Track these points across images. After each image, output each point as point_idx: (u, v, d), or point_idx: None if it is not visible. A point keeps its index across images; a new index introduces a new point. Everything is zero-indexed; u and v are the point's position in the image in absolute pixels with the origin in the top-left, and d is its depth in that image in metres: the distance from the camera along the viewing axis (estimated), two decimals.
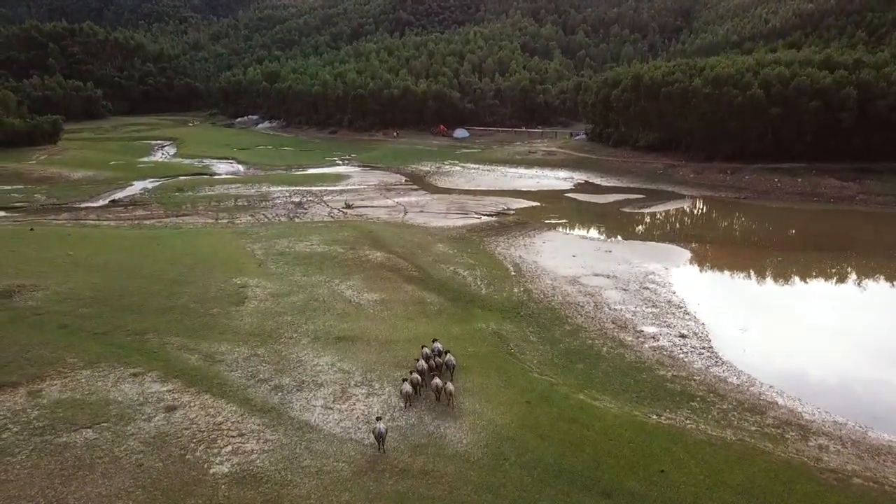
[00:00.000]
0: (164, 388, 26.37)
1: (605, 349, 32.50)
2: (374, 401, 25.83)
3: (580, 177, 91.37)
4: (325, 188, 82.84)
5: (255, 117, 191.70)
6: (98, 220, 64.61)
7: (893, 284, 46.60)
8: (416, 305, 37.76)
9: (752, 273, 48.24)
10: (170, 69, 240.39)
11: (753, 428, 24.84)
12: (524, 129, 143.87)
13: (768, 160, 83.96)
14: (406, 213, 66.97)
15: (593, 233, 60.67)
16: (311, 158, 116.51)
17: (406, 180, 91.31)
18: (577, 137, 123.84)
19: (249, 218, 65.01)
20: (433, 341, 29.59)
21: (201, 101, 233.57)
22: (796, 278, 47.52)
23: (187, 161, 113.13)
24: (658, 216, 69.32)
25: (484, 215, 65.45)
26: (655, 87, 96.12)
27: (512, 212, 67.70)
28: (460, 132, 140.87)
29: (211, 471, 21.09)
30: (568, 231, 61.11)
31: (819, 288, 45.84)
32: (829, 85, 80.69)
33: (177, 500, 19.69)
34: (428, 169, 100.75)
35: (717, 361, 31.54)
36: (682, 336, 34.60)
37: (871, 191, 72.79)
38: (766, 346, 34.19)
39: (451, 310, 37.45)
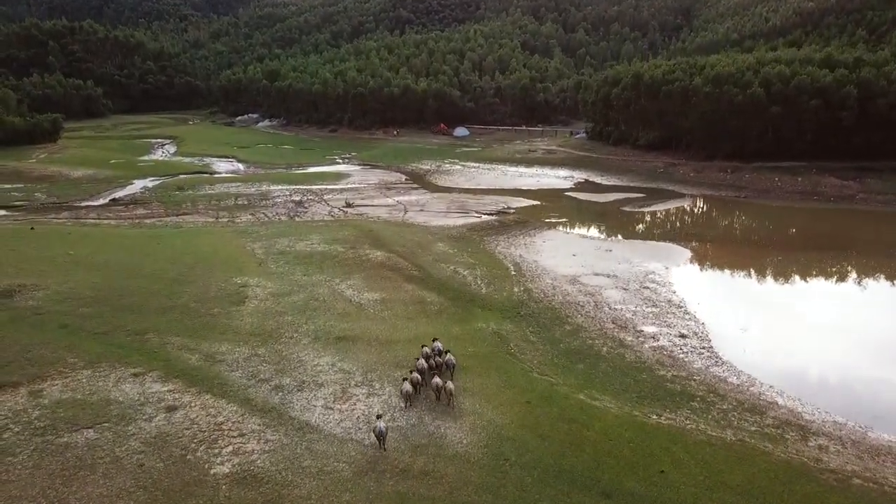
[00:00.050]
0: (165, 389, 26.41)
1: (605, 349, 32.52)
2: (375, 401, 25.87)
3: (580, 175, 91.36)
4: (325, 187, 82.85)
5: (255, 115, 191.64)
6: (98, 218, 64.64)
7: (894, 283, 46.60)
8: (417, 305, 37.78)
9: (752, 272, 48.26)
10: (170, 67, 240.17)
11: (753, 428, 24.86)
12: (524, 128, 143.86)
13: (768, 159, 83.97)
14: (406, 211, 66.99)
15: (593, 232, 60.68)
16: (311, 157, 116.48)
17: (406, 179, 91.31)
18: (578, 136, 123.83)
19: (250, 217, 65.04)
20: (433, 340, 29.65)
21: (201, 100, 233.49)
22: (796, 277, 47.53)
23: (187, 159, 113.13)
24: (658, 215, 69.32)
25: (484, 214, 65.47)
26: (656, 86, 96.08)
27: (512, 211, 67.71)
28: (460, 131, 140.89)
29: (212, 471, 21.13)
30: (568, 230, 61.11)
31: (819, 287, 45.84)
32: (830, 83, 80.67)
33: (178, 501, 19.73)
34: (428, 167, 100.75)
35: (717, 361, 31.55)
36: (682, 336, 34.62)
37: (872, 189, 72.78)
38: (767, 345, 34.21)
39: (452, 309, 37.47)
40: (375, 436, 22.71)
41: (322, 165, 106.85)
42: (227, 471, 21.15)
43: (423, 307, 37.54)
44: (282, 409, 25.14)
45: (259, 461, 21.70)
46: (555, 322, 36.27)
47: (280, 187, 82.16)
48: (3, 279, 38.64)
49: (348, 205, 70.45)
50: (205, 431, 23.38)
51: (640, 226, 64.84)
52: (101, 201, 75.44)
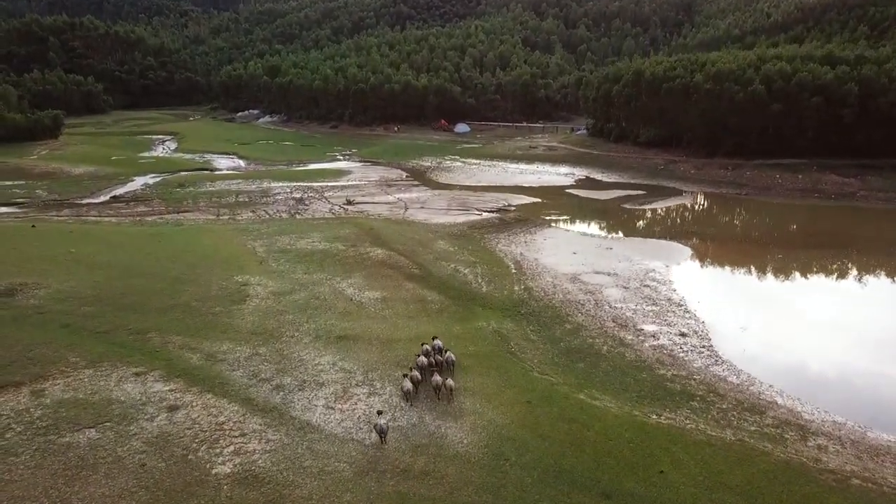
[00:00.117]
0: (167, 388, 26.50)
1: (605, 348, 32.59)
2: (376, 400, 25.94)
3: (581, 172, 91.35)
4: (325, 184, 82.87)
5: (255, 112, 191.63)
6: (99, 216, 64.72)
7: (894, 281, 46.62)
8: (417, 304, 37.84)
9: (752, 270, 48.30)
10: (170, 63, 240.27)
11: (753, 428, 24.93)
12: (525, 124, 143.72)
13: (769, 156, 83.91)
14: (407, 209, 67.03)
15: (594, 229, 60.68)
16: (311, 153, 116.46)
17: (407, 176, 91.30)
18: (578, 132, 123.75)
19: (251, 214, 65.09)
20: (433, 339, 29.78)
21: (202, 96, 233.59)
22: (796, 276, 47.54)
23: (188, 156, 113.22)
24: (659, 212, 69.31)
25: (485, 212, 65.50)
26: (656, 83, 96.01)
27: (513, 208, 67.73)
28: (461, 127, 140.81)
29: (213, 471, 21.22)
30: (569, 228, 61.16)
31: (819, 285, 45.85)
32: (831, 81, 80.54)
33: (179, 501, 19.82)
34: (429, 164, 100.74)
35: (716, 360, 31.61)
36: (683, 334, 34.67)
37: (872, 187, 72.74)
38: (766, 344, 34.28)
39: (452, 308, 37.54)
40: (377, 432, 22.86)
41: (323, 162, 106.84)
42: (229, 471, 21.23)
43: (424, 306, 37.61)
44: (283, 409, 25.22)
45: (260, 461, 21.79)
46: (555, 321, 36.34)
47: (281, 184, 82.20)
48: (5, 278, 38.73)
49: (349, 202, 70.48)
50: (206, 431, 23.46)
51: (641, 223, 64.84)
52: (103, 198, 75.56)
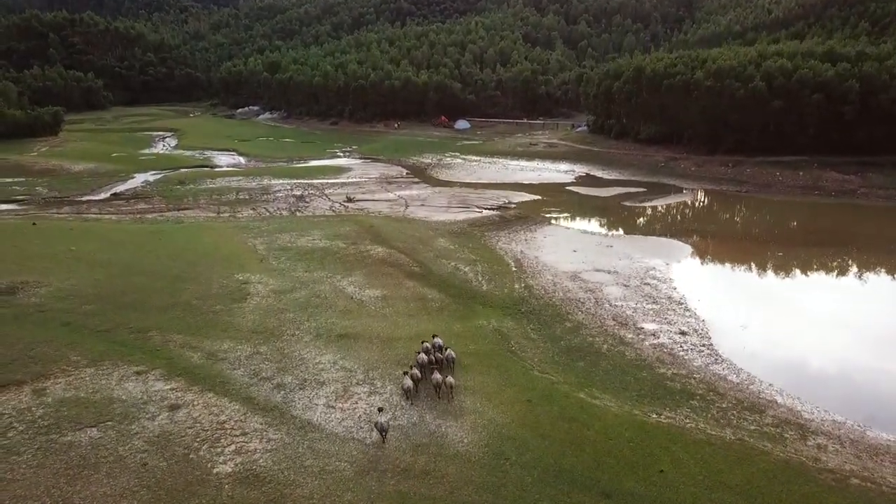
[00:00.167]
0: (168, 387, 26.53)
1: (605, 347, 32.64)
2: (376, 399, 25.96)
3: (581, 169, 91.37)
4: (326, 181, 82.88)
5: (256, 108, 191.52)
6: (100, 213, 64.74)
7: (895, 279, 46.67)
8: (418, 302, 37.88)
9: (752, 268, 48.37)
10: (170, 59, 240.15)
11: (752, 427, 24.99)
12: (525, 121, 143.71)
13: (770, 153, 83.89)
14: (407, 206, 67.05)
15: (594, 227, 60.73)
16: (312, 150, 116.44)
17: (407, 173, 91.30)
18: (579, 129, 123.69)
19: (251, 212, 65.12)
20: (433, 337, 29.86)
21: (202, 92, 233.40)
22: (797, 274, 47.61)
23: (188, 153, 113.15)
24: (659, 210, 69.35)
25: (485, 209, 65.52)
26: (657, 80, 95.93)
27: (513, 205, 67.74)
28: (461, 123, 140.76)
29: (214, 470, 21.26)
30: (569, 225, 61.21)
31: (820, 283, 45.91)
32: (832, 78, 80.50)
33: (181, 500, 19.85)
34: (429, 161, 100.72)
35: (716, 359, 31.66)
36: (683, 333, 34.72)
37: (873, 184, 72.76)
38: (766, 343, 34.34)
39: (453, 306, 37.58)
40: (377, 430, 22.94)
41: (323, 159, 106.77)
42: (230, 470, 21.28)
43: (424, 304, 37.65)
44: (284, 408, 25.26)
45: (261, 460, 21.83)
46: (555, 319, 36.39)
47: (281, 181, 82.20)
48: (5, 276, 38.74)
49: (349, 199, 70.50)
50: (207, 430, 23.50)
51: (641, 221, 64.90)
52: (103, 196, 75.53)
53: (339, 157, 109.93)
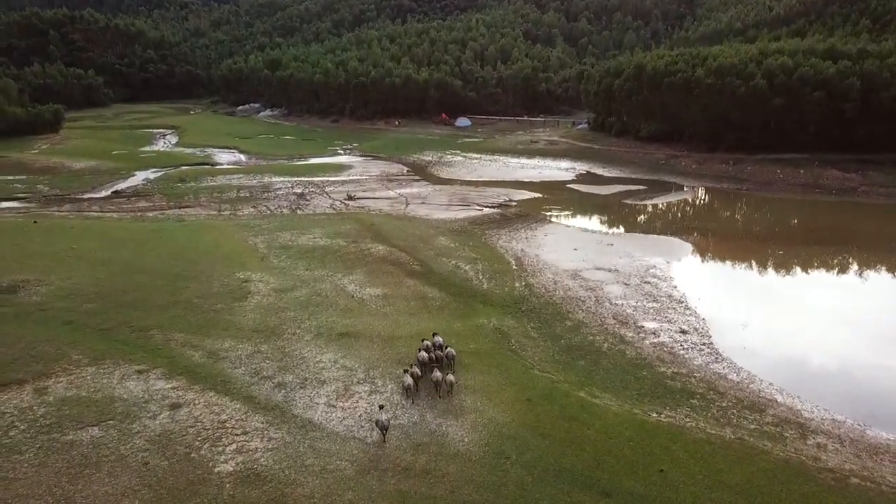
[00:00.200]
0: (169, 386, 26.60)
1: (605, 345, 32.68)
2: (377, 398, 26.00)
3: (582, 167, 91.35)
4: (327, 179, 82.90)
5: (256, 105, 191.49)
6: (101, 211, 64.78)
7: (895, 277, 46.69)
8: (418, 301, 37.92)
9: (753, 267, 48.41)
10: (171, 56, 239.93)
11: (753, 426, 25.03)
12: (526, 118, 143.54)
13: (771, 151, 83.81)
14: (408, 204, 67.05)
15: (595, 225, 60.75)
16: (312, 148, 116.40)
17: (408, 171, 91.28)
18: (580, 127, 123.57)
19: (252, 209, 65.14)
20: (433, 335, 29.93)
21: (202, 89, 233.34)
22: (797, 272, 47.61)
23: (189, 150, 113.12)
24: (660, 208, 69.35)
25: (486, 207, 65.52)
26: (658, 77, 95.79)
27: (514, 203, 67.74)
28: (462, 121, 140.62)
29: (216, 469, 21.33)
30: (570, 223, 61.21)
31: (820, 282, 45.88)
32: (833, 75, 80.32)
33: (182, 499, 19.93)
34: (430, 159, 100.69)
35: (717, 358, 31.69)
36: (683, 332, 34.76)
37: (874, 182, 72.71)
38: (767, 341, 34.32)
39: (453, 305, 37.63)
40: (378, 428, 23.03)
41: (324, 156, 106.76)
42: (231, 469, 21.35)
43: (425, 303, 37.69)
44: (285, 407, 25.33)
45: (262, 459, 21.90)
46: (556, 318, 36.44)
47: (282, 179, 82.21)
48: (7, 274, 38.87)
49: (350, 197, 70.51)
50: (209, 429, 23.57)
51: (642, 219, 64.91)
52: (104, 193, 75.58)
53: (340, 154, 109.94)
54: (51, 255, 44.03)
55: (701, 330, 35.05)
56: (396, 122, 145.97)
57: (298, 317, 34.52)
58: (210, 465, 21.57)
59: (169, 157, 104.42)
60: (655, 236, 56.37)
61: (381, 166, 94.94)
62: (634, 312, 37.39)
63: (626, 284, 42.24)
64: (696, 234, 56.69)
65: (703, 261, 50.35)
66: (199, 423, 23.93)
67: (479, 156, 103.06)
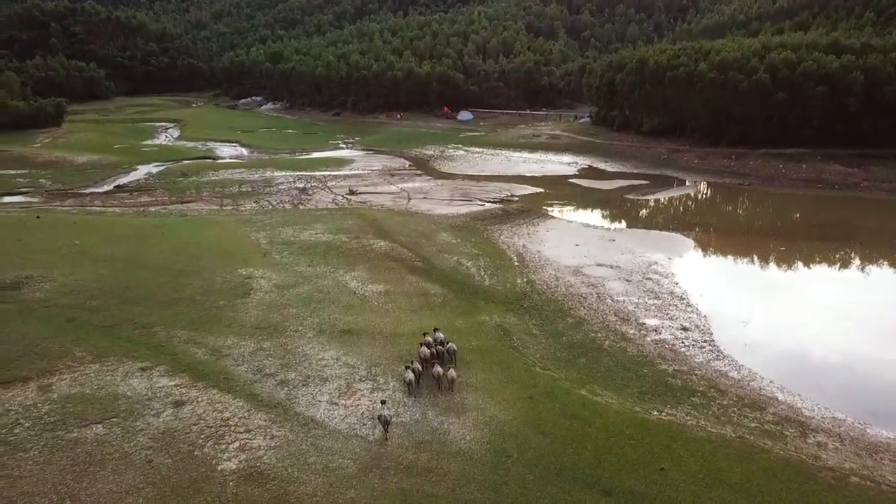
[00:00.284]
0: (172, 383, 26.77)
1: (607, 343, 32.75)
2: (379, 396, 26.12)
3: (584, 161, 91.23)
4: (329, 173, 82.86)
5: (258, 98, 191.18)
6: (103, 206, 64.85)
7: None
8: (420, 297, 38.00)
9: (754, 263, 48.38)
10: (172, 49, 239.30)
11: (753, 425, 25.11)
12: (528, 112, 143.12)
13: (773, 145, 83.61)
14: (410, 199, 67.04)
15: (597, 221, 60.68)
16: (314, 142, 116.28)
17: (410, 165, 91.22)
18: (582, 121, 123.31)
19: (254, 205, 65.16)
20: (434, 330, 30.08)
21: (204, 82, 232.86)
22: (799, 269, 47.55)
23: (191, 144, 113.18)
24: (661, 203, 69.26)
25: (488, 202, 65.51)
26: (660, 72, 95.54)
27: (516, 198, 67.71)
28: (464, 115, 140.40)
29: (219, 467, 21.49)
30: (571, 219, 61.14)
31: (822, 278, 45.82)
32: (836, 70, 79.99)
33: (186, 497, 20.10)
34: (432, 153, 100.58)
35: (718, 355, 31.73)
36: (684, 329, 34.80)
37: (876, 177, 72.49)
38: (768, 339, 34.30)
39: (455, 302, 37.70)
40: (380, 423, 23.22)
41: (325, 150, 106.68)
42: (234, 467, 21.51)
43: (427, 299, 37.77)
44: (287, 405, 25.48)
45: (265, 457, 22.05)
46: (557, 314, 36.49)
47: (284, 173, 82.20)
48: (10, 270, 39.02)
49: (352, 192, 70.52)
50: (212, 427, 23.73)
51: (644, 214, 64.81)
52: (106, 188, 75.66)
53: (342, 148, 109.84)
54: (54, 250, 44.18)
55: (702, 327, 35.09)
56: (398, 116, 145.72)
57: (301, 314, 34.64)
58: (213, 462, 21.74)
59: (171, 151, 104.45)
60: (657, 232, 56.36)
61: (382, 160, 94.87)
62: (636, 309, 37.43)
63: (627, 281, 42.27)
64: (697, 230, 56.65)
65: (704, 257, 50.34)
66: (203, 421, 24.10)
67: (480, 150, 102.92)
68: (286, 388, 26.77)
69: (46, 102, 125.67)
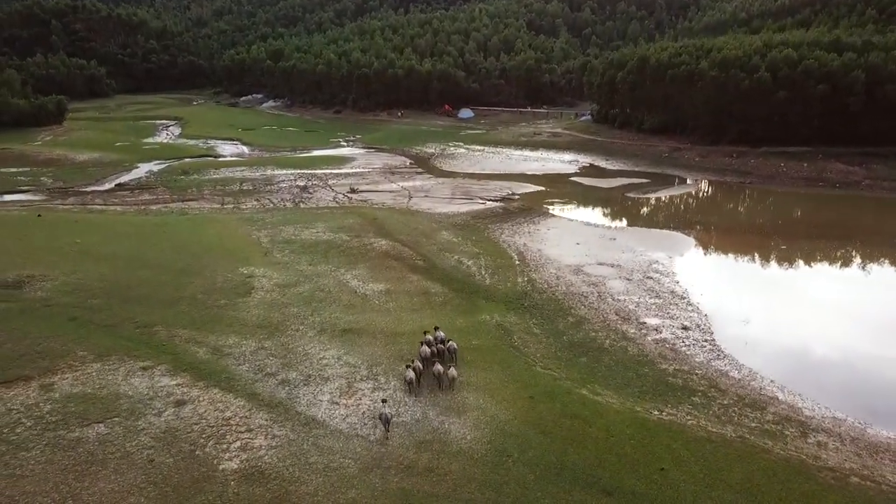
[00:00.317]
0: (174, 382, 26.83)
1: (608, 342, 32.77)
2: (380, 395, 26.15)
3: (585, 160, 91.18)
4: (329, 171, 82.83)
5: (259, 96, 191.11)
6: (104, 204, 64.89)
7: None
8: (421, 296, 38.04)
9: (755, 262, 48.38)
10: (173, 47, 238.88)
11: (753, 424, 25.14)
12: (529, 110, 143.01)
13: (774, 144, 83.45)
14: (411, 198, 67.05)
15: (598, 219, 60.67)
16: (315, 139, 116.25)
17: (411, 163, 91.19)
18: (583, 118, 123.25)
19: (255, 203, 65.20)
20: (435, 329, 30.16)
21: (205, 80, 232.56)
22: (800, 268, 47.54)
23: (192, 142, 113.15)
24: (662, 201, 69.28)
25: (489, 200, 65.51)
26: (661, 69, 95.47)
27: (517, 197, 67.72)
28: (465, 112, 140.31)
29: (220, 467, 21.55)
30: (572, 217, 61.11)
31: (823, 278, 45.85)
32: (838, 68, 79.86)
33: (187, 497, 20.16)
34: (433, 151, 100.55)
35: (718, 355, 31.74)
36: (685, 328, 34.83)
37: (878, 176, 72.43)
38: (768, 338, 34.32)
39: (456, 301, 37.75)
40: (381, 421, 23.30)
41: (326, 148, 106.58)
42: (236, 467, 21.56)
43: (428, 298, 37.81)
44: (288, 404, 25.54)
45: (266, 457, 22.11)
46: (558, 313, 36.52)
47: (285, 172, 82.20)
48: (12, 269, 39.07)
49: (353, 190, 70.53)
50: (213, 426, 23.79)
51: (644, 213, 64.83)
52: (107, 186, 75.70)
53: (343, 146, 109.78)
54: (55, 249, 44.25)
55: (703, 326, 35.12)
56: (399, 114, 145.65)
57: (302, 313, 34.70)
58: (215, 462, 21.80)
59: (172, 149, 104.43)
60: (658, 230, 56.38)
61: (383, 158, 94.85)
62: (637, 308, 37.45)
63: (628, 280, 42.29)
64: (698, 228, 56.67)
65: (705, 255, 50.37)
66: (204, 421, 24.16)
67: (481, 148, 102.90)
68: (287, 388, 26.83)
69: (47, 100, 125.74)
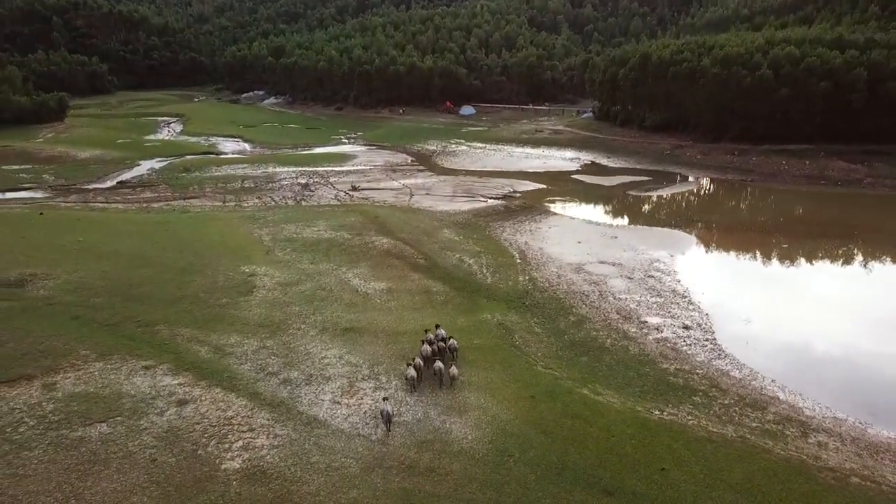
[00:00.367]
0: (176, 382, 26.87)
1: (609, 341, 32.81)
2: (382, 395, 26.17)
3: (587, 157, 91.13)
4: (331, 169, 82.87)
5: (260, 93, 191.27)
6: (106, 202, 64.96)
7: None
8: (423, 295, 38.08)
9: (757, 260, 48.38)
10: (174, 43, 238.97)
11: (754, 424, 25.18)
12: (531, 107, 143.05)
13: (776, 141, 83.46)
14: (412, 195, 67.06)
15: (599, 217, 60.65)
16: (317, 137, 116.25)
17: (412, 160, 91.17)
18: (584, 115, 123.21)
19: (256, 201, 65.24)
20: (436, 327, 30.24)
21: (206, 76, 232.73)
22: (801, 266, 47.54)
23: (194, 139, 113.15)
24: (664, 199, 69.25)
25: (490, 198, 65.51)
26: (663, 67, 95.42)
27: (518, 195, 67.70)
28: (466, 109, 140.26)
29: (223, 466, 21.61)
30: (574, 215, 61.13)
31: (825, 276, 45.83)
32: (840, 66, 79.81)
33: (189, 496, 20.22)
34: (434, 148, 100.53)
35: (719, 354, 31.77)
36: (686, 327, 34.85)
37: (880, 174, 72.37)
38: (770, 338, 34.34)
39: (457, 300, 37.78)
40: (382, 419, 23.40)
41: (328, 146, 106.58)
42: (238, 466, 21.62)
43: (429, 297, 37.85)
44: (290, 404, 25.59)
45: (268, 456, 22.17)
46: (559, 312, 36.56)
47: (286, 169, 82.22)
48: (14, 268, 39.09)
49: (354, 188, 70.55)
50: (215, 426, 23.84)
51: (646, 211, 64.84)
52: (109, 184, 75.71)
53: (344, 143, 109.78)
54: (57, 247, 44.27)
55: (704, 325, 35.14)
56: (401, 111, 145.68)
57: (303, 311, 34.75)
58: (217, 461, 21.86)
59: (173, 147, 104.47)
60: (659, 228, 56.36)
61: (385, 156, 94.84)
62: (638, 307, 37.48)
63: (629, 279, 42.31)
64: (700, 227, 56.67)
65: (706, 254, 50.38)
66: (206, 420, 24.21)
67: (483, 145, 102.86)
68: (289, 387, 26.88)
69: (49, 97, 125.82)
